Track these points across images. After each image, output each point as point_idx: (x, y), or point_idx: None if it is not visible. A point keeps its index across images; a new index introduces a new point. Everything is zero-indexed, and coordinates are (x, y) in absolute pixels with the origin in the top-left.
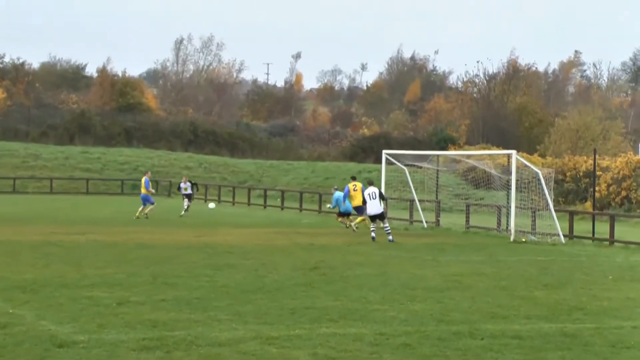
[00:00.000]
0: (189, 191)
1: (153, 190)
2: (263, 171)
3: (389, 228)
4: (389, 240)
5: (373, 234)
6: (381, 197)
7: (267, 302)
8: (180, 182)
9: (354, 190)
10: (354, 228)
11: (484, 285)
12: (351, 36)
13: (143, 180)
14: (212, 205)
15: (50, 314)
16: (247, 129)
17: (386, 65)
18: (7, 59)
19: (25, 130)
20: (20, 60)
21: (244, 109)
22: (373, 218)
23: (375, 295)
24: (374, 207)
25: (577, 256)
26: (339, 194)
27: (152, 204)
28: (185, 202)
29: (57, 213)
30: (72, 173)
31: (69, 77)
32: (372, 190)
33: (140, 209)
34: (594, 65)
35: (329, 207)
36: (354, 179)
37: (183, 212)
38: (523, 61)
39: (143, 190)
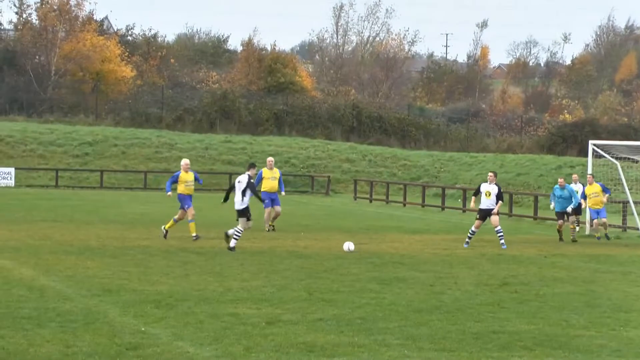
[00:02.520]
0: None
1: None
2: (440, 165)
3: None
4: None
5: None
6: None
7: (446, 325)
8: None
9: None
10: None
11: None
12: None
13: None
14: (349, 246)
15: (189, 334)
16: (421, 113)
17: (594, 36)
18: (137, 31)
19: (158, 114)
20: (152, 32)
21: (417, 89)
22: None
23: (579, 318)
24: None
25: None
26: None
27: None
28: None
29: (196, 213)
30: (212, 166)
31: (208, 51)
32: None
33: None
34: None
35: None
36: None
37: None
38: None
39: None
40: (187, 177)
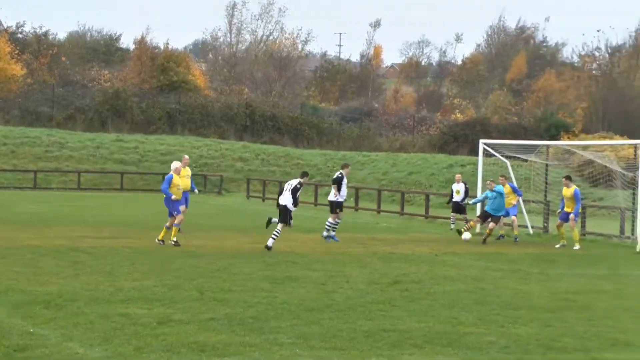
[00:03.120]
0: (462, 196)
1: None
2: (333, 164)
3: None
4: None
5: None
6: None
7: (337, 323)
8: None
9: None
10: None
11: (604, 305)
12: (443, 0)
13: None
14: (466, 236)
15: (78, 334)
16: (314, 112)
17: (485, 36)
18: (27, 28)
19: (48, 113)
20: (43, 30)
21: (310, 88)
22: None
23: (469, 315)
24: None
25: None
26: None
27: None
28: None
29: (86, 213)
30: (103, 165)
31: (100, 49)
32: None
33: None
34: None
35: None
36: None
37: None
38: None
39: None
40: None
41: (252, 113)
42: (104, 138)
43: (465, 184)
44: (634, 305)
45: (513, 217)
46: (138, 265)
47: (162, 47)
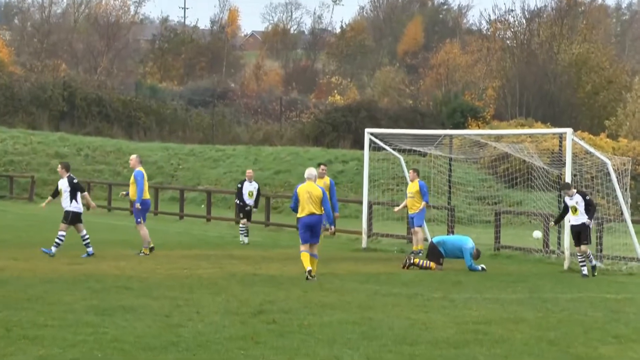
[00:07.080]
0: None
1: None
2: (178, 161)
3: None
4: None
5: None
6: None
7: None
8: (244, 181)
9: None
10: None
11: (523, 338)
12: None
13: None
14: (537, 234)
15: None
16: (153, 95)
17: None
18: None
19: None
20: None
21: (147, 64)
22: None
23: (354, 353)
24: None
25: None
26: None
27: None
28: (242, 223)
29: None
30: None
31: None
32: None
33: None
34: None
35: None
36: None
37: (243, 239)
38: None
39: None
40: None
41: (71, 96)
42: None
43: (257, 184)
44: (560, 337)
45: (417, 228)
46: None
47: None
